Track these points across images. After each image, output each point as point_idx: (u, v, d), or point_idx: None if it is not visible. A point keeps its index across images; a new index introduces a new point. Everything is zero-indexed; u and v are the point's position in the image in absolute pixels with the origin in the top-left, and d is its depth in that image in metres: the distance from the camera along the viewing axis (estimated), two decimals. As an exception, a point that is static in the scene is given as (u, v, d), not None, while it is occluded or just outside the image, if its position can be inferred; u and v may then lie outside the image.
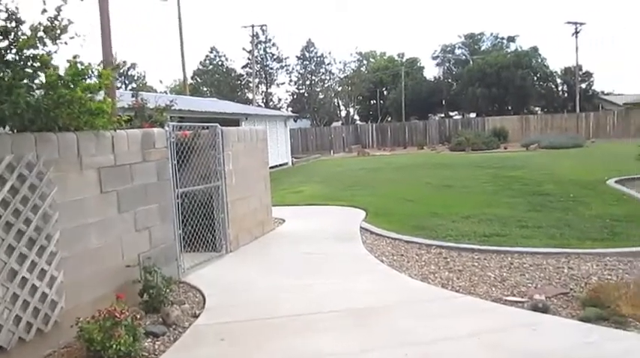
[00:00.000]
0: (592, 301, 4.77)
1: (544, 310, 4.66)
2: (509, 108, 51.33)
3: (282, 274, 6.37)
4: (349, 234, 8.50)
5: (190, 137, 7.40)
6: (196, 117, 17.98)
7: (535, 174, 15.53)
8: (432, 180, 15.62)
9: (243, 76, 59.88)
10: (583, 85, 53.49)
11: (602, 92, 58.32)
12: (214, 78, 58.99)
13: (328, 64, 59.01)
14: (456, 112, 59.58)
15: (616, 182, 13.08)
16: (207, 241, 7.53)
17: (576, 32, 43.46)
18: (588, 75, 56.60)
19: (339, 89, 60.43)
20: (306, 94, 58.64)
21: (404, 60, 62.59)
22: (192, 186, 7.13)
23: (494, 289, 5.47)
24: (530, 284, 5.54)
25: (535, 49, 54.78)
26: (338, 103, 63.30)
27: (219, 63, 60.20)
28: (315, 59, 58.81)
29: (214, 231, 7.60)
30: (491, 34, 60.77)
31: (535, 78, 53.46)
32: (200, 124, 7.72)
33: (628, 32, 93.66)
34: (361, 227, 8.98)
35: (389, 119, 60.22)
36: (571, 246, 6.93)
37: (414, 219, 9.41)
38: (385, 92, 61.97)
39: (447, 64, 60.72)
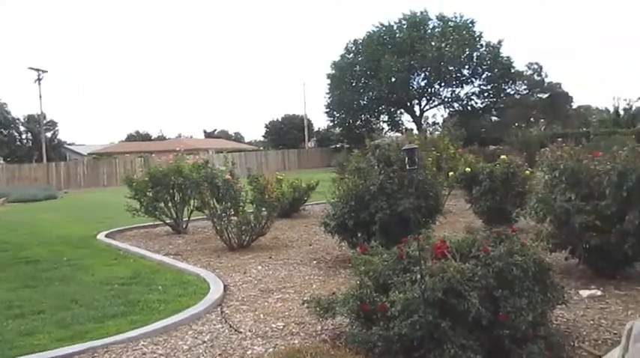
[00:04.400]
0: None
1: None
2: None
3: None
4: None
5: None
6: None
7: (15, 236, 13.15)
8: None
9: None
10: (49, 134, 52.58)
11: (66, 142, 59.09)
12: None
13: None
14: None
15: (106, 236, 12.38)
16: None
17: (39, 79, 42.15)
18: (53, 124, 56.17)
19: None
20: None
21: None
22: None
23: None
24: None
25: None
26: None
27: None
28: None
29: None
30: None
31: (-6, 124, 48.99)
32: None
33: (92, 84, 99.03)
34: None
35: None
36: (91, 334, 5.46)
37: None
38: None
39: None
